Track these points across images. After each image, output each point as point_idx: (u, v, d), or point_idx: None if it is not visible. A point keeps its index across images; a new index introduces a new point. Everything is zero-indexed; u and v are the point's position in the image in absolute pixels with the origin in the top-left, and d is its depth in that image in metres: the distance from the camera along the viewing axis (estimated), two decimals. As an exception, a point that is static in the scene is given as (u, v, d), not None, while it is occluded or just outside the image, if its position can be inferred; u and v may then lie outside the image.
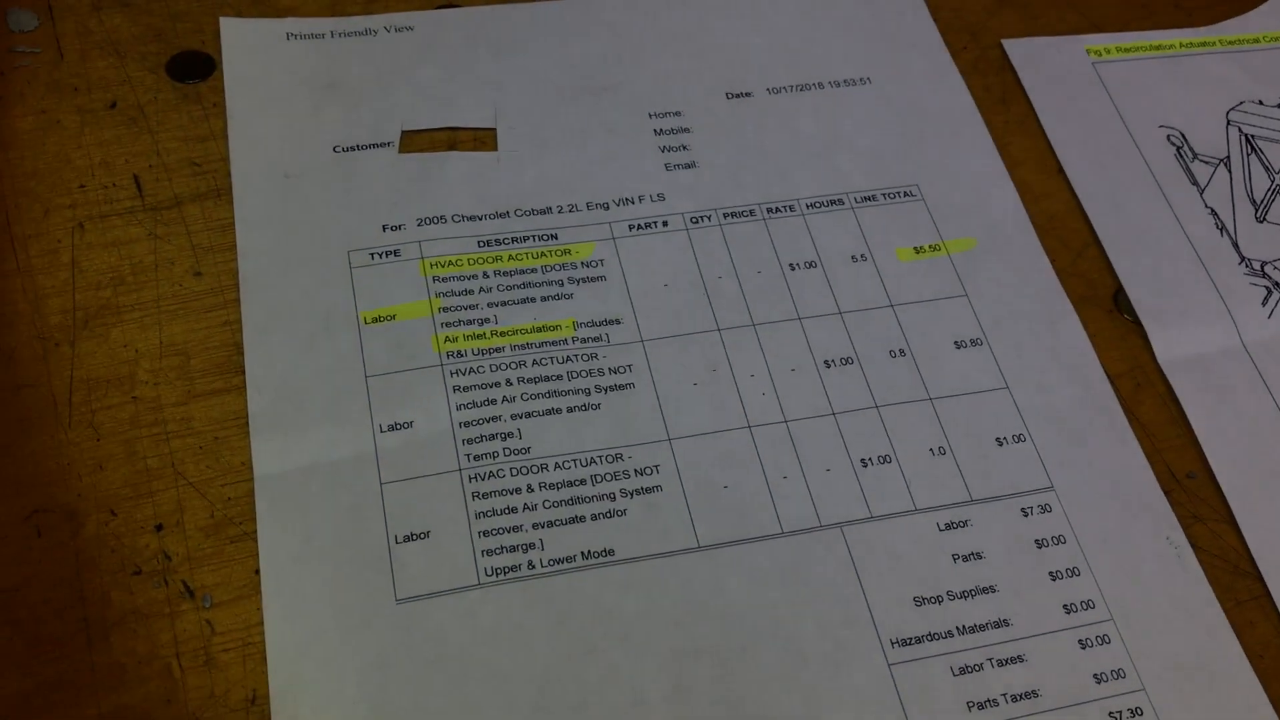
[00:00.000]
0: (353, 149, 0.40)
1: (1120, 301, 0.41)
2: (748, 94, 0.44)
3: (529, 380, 0.36)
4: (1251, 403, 0.38)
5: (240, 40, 0.42)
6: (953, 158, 0.43)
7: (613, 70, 0.44)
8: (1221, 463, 0.37)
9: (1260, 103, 0.46)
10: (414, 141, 0.41)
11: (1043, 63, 0.46)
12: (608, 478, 0.35)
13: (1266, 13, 0.50)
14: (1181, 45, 0.48)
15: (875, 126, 0.44)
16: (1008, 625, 0.34)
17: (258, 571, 0.33)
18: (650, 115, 0.43)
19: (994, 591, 0.34)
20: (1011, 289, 0.40)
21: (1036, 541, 0.35)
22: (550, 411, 0.36)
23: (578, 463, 0.35)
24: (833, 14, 0.47)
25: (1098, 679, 0.33)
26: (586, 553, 0.34)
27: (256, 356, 0.36)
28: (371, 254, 0.38)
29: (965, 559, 0.35)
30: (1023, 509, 0.36)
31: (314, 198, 0.39)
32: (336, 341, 0.36)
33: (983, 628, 0.34)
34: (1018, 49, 0.47)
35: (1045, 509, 0.36)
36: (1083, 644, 0.34)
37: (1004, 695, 0.32)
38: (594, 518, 0.34)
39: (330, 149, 0.40)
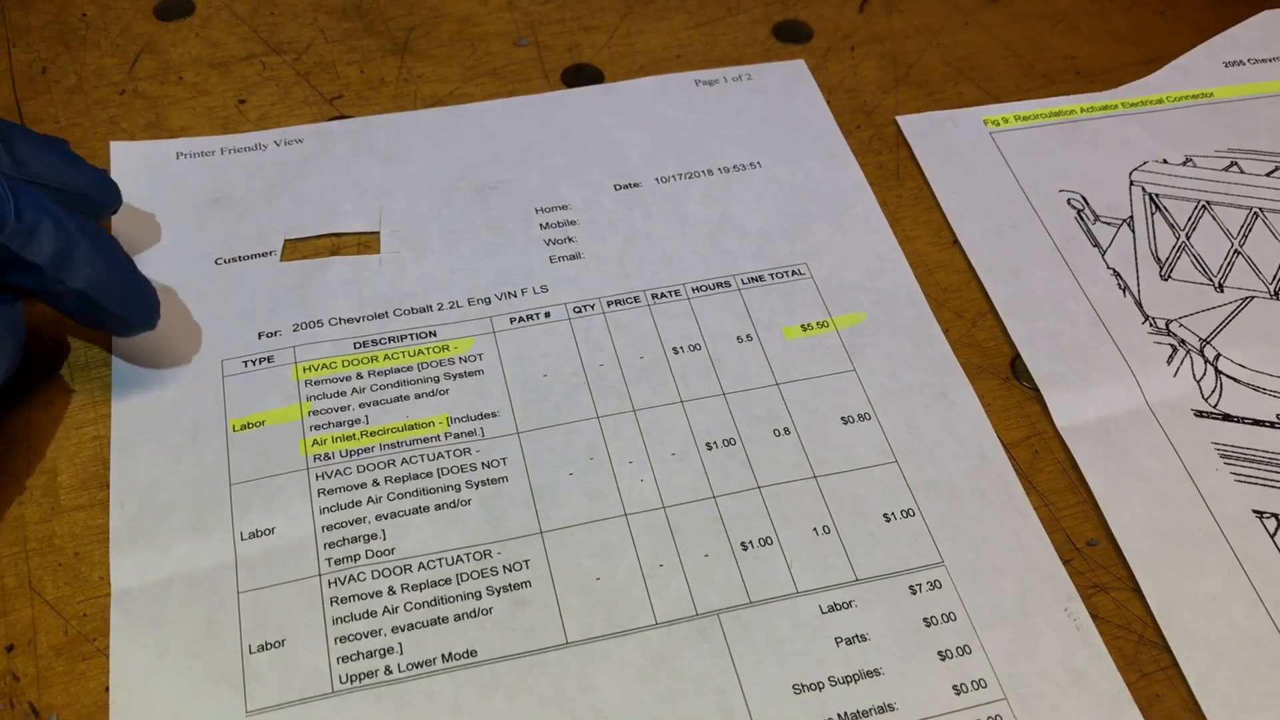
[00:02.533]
0: (235, 260, 0.41)
1: (1018, 369, 0.39)
2: (635, 184, 0.44)
3: (396, 479, 0.35)
4: (1156, 464, 0.37)
5: (130, 162, 0.43)
6: (843, 235, 0.43)
7: (499, 170, 0.44)
8: (1124, 528, 0.36)
9: (1165, 161, 0.46)
10: (297, 249, 0.41)
11: (938, 136, 0.46)
12: (474, 575, 0.34)
13: (1168, 74, 0.49)
14: (1082, 110, 0.48)
15: (764, 209, 0.43)
16: (893, 710, 0.32)
17: (108, 689, 0.31)
18: (537, 210, 0.43)
19: (879, 675, 0.33)
20: (902, 362, 0.39)
21: (925, 620, 0.34)
22: (417, 510, 0.35)
23: (443, 561, 0.34)
24: (724, 103, 0.47)
25: (990, 764, 0.31)
26: (448, 655, 0.32)
27: (121, 470, 0.35)
28: (244, 362, 0.38)
29: (849, 642, 0.33)
30: (911, 586, 0.34)
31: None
32: (203, 451, 0.36)
33: (866, 714, 0.32)
34: (912, 125, 0.47)
35: (935, 585, 0.34)
36: (973, 727, 0.32)
37: (888, 785, 0.31)
38: (457, 618, 0.33)
39: (212, 261, 0.40)
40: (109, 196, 0.37)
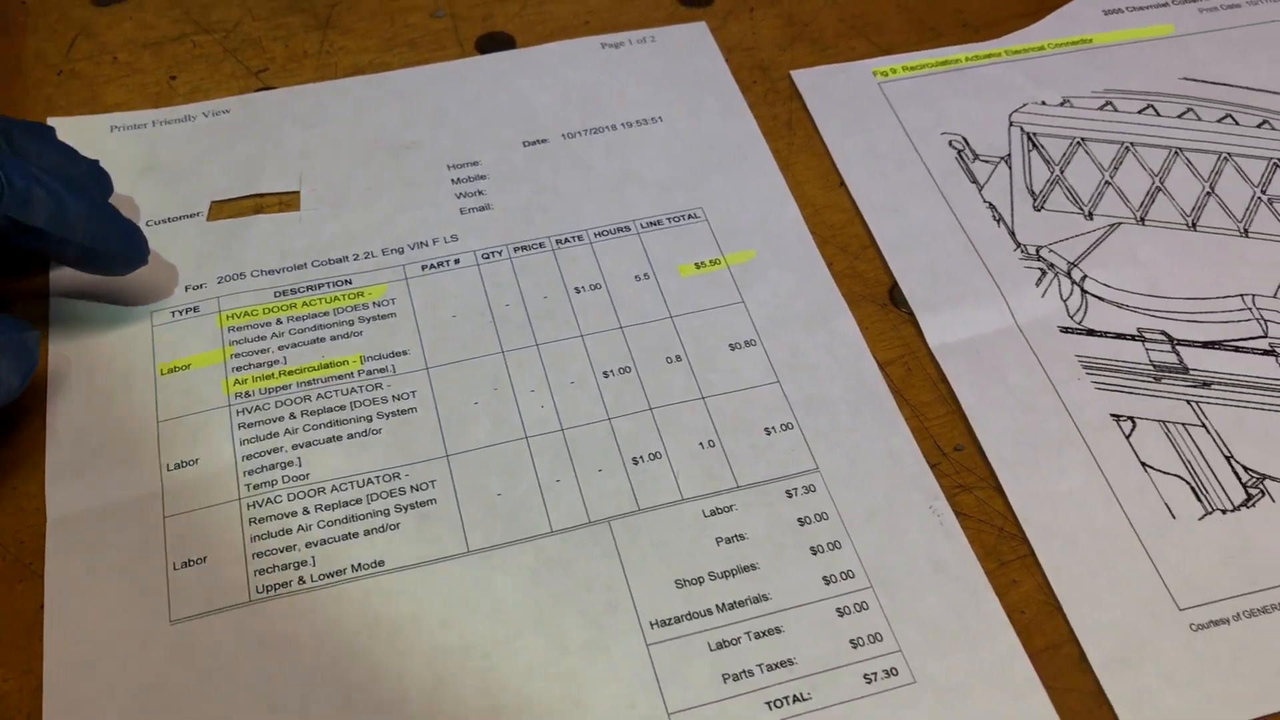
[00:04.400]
0: (165, 221, 0.43)
1: (895, 296, 0.42)
2: (544, 141, 0.47)
3: (311, 413, 0.38)
4: (1022, 377, 0.40)
5: (67, 137, 0.46)
6: (737, 182, 0.45)
7: (413, 132, 0.47)
8: (989, 433, 0.38)
9: (1043, 103, 0.49)
10: (223, 210, 0.44)
11: (830, 89, 0.49)
12: (383, 495, 0.37)
13: (1050, 23, 0.52)
14: (967, 59, 0.50)
15: (664, 160, 0.46)
16: (766, 600, 0.35)
17: (42, 608, 0.34)
18: (449, 167, 0.46)
19: (754, 569, 0.35)
20: (788, 293, 0.42)
21: (799, 520, 0.36)
22: (331, 440, 0.38)
23: (354, 484, 0.37)
24: (629, 65, 0.50)
25: (854, 644, 0.34)
26: (357, 565, 0.35)
27: (57, 409, 0.38)
28: (172, 312, 0.41)
29: (728, 541, 0.36)
30: (787, 491, 0.37)
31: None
32: (132, 393, 0.38)
33: (742, 604, 0.35)
34: (805, 78, 0.49)
35: (810, 489, 0.37)
36: (840, 612, 0.35)
37: (759, 665, 0.33)
38: (367, 533, 0.36)
39: (144, 223, 0.43)
40: (105, 186, 0.41)
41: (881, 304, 0.42)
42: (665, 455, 0.38)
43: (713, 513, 0.37)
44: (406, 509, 0.36)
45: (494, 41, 0.51)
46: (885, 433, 0.38)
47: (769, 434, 0.38)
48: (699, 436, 0.38)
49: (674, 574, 0.35)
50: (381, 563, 0.35)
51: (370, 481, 0.37)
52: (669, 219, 0.44)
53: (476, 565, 0.35)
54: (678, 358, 0.40)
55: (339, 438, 0.38)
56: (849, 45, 0.51)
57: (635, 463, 0.37)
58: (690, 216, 0.44)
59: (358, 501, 0.36)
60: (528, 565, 0.35)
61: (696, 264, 0.43)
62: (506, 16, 0.52)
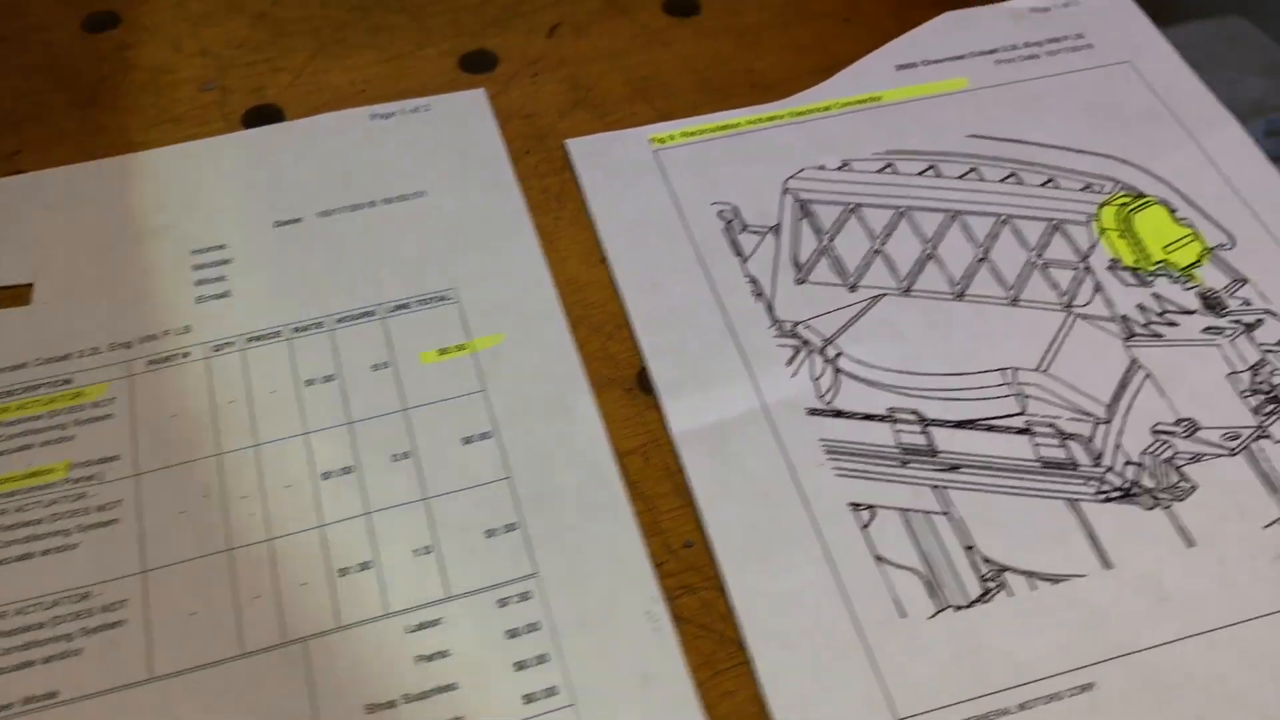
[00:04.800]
0: (-114, 321, 0.41)
1: (644, 379, 0.41)
2: (297, 220, 0.45)
3: (5, 529, 0.36)
4: (761, 464, 0.38)
5: None
6: (495, 260, 0.44)
7: (164, 215, 0.45)
8: (720, 528, 0.37)
9: (821, 167, 0.47)
10: (-52, 306, 0.42)
11: (604, 157, 0.47)
12: (70, 618, 0.35)
13: (840, 81, 0.51)
14: (748, 122, 0.49)
15: (421, 238, 0.44)
16: (461, 722, 0.33)
17: None
18: (192, 252, 0.44)
19: (454, 689, 0.34)
20: (533, 379, 0.40)
21: (509, 632, 0.35)
22: (23, 557, 0.36)
23: (40, 606, 0.35)
24: (398, 136, 0.48)
25: (548, 767, 0.32)
26: (28, 698, 0.33)
27: None
28: (-126, 421, 0.39)
29: (429, 659, 0.34)
30: (500, 600, 0.35)
31: None
32: None
33: (434, 728, 0.33)
34: (580, 147, 0.48)
35: (525, 597, 0.35)
36: (537, 732, 0.33)
37: (442, 796, 0.32)
38: (45, 660, 0.34)
39: None
40: None
41: (628, 388, 0.40)
42: (377, 565, 0.36)
43: (418, 627, 0.35)
44: (92, 632, 0.34)
45: (261, 115, 0.49)
46: (613, 530, 0.37)
47: (490, 536, 0.37)
48: (415, 542, 0.36)
49: (366, 698, 0.33)
50: (54, 694, 0.33)
51: (57, 604, 0.35)
52: (419, 301, 0.43)
53: (157, 694, 0.33)
54: (406, 455, 0.38)
55: (31, 555, 0.36)
56: (631, 111, 0.50)
57: (342, 574, 0.36)
58: (441, 298, 0.43)
59: (40, 626, 0.34)
60: (213, 692, 0.33)
61: (440, 350, 0.41)
62: (278, 88, 0.50)
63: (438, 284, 0.43)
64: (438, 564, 0.36)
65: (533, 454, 0.38)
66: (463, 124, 0.49)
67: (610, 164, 0.47)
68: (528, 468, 0.38)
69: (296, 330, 0.42)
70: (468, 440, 0.39)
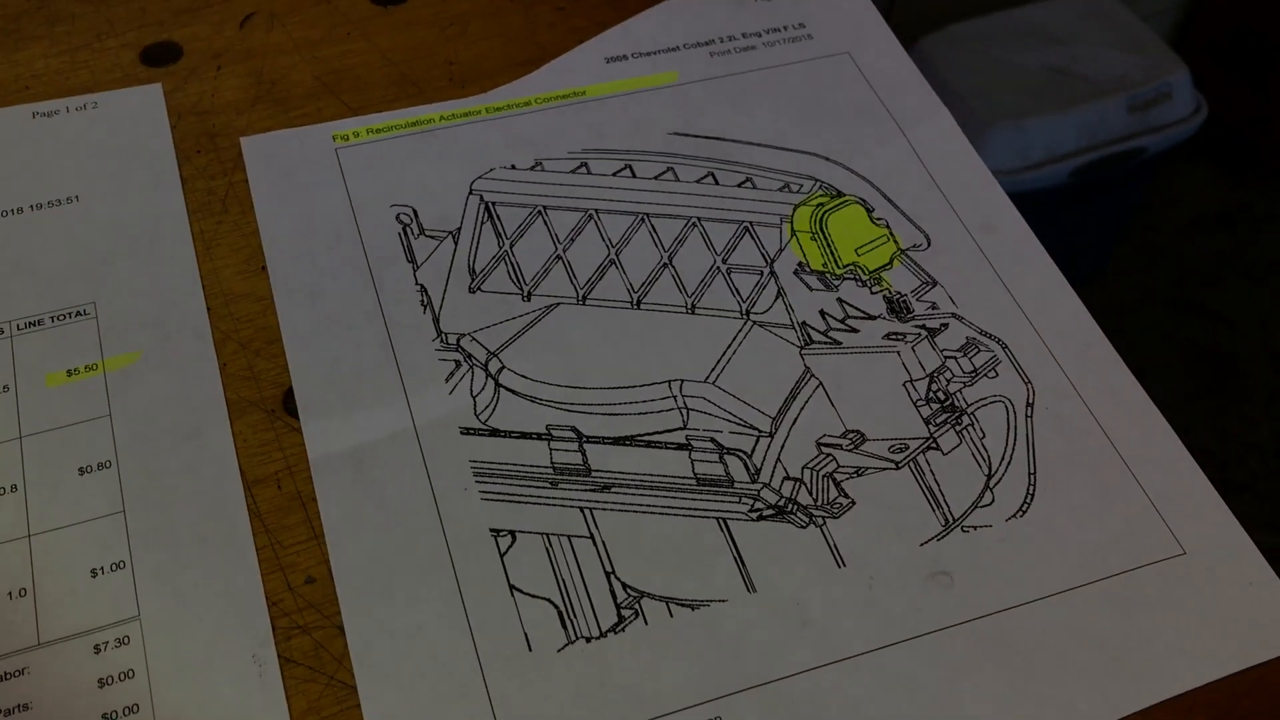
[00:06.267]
0: None
1: (289, 401, 0.38)
2: (-71, 230, 0.41)
3: None
4: (402, 490, 0.36)
5: None
6: (144, 270, 0.41)
7: None
8: (346, 562, 0.35)
9: (513, 167, 0.45)
10: None
11: (280, 157, 0.45)
12: None
13: (545, 74, 0.49)
14: (441, 118, 0.47)
15: (66, 247, 0.41)
16: (27, 787, 0.30)
17: None
18: None
19: (27, 750, 0.31)
20: (164, 402, 0.37)
21: (100, 681, 0.32)
22: None
23: None
24: (58, 137, 0.44)
25: (118, 834, 0.30)
26: None
27: None
28: None
29: (8, 715, 0.31)
30: (96, 646, 0.33)
31: None
32: None
33: (-4, 795, 0.30)
34: (254, 146, 0.45)
35: (123, 642, 0.33)
36: (112, 796, 0.30)
37: None
38: None
39: None
40: None
41: (270, 410, 0.38)
42: (-39, 613, 0.33)
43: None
44: None
45: (-92, 112, 0.45)
46: (230, 568, 0.34)
47: (95, 576, 0.34)
48: (11, 585, 0.34)
49: (-76, 763, 0.30)
50: None
51: None
52: (53, 317, 0.39)
53: None
54: (14, 488, 0.35)
55: None
56: (316, 107, 0.47)
57: (-80, 624, 0.32)
58: (79, 314, 0.39)
59: None
60: None
61: (69, 371, 0.38)
62: (-68, 83, 0.46)
63: (77, 298, 0.40)
64: (33, 608, 0.33)
65: (153, 485, 0.36)
66: (131, 124, 0.45)
67: (285, 164, 0.44)
68: (145, 501, 0.35)
69: (-90, 352, 0.38)
70: (84, 470, 0.36)
